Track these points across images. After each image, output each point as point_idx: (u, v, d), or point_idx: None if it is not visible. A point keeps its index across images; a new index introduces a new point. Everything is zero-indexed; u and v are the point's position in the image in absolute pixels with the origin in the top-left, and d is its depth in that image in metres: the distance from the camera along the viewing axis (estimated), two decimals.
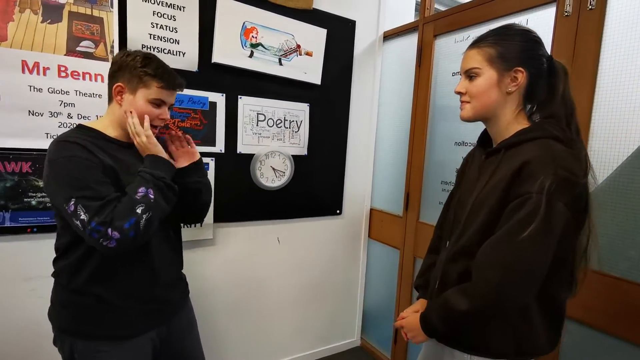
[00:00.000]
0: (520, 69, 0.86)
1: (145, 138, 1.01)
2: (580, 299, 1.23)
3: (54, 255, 1.05)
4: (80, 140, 0.95)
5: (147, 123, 1.02)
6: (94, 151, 0.94)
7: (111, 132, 1.04)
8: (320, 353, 2.25)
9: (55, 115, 1.36)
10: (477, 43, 0.92)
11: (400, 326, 1.05)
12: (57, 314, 1.03)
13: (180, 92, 1.54)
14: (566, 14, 1.32)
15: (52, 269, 1.05)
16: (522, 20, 1.46)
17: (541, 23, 1.39)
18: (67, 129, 1.36)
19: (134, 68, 0.99)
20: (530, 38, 0.89)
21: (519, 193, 0.79)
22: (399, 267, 2.09)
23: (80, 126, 1.03)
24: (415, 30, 1.97)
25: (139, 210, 0.91)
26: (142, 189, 0.94)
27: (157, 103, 1.03)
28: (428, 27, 1.88)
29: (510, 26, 0.92)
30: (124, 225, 0.88)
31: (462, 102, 0.95)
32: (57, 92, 1.35)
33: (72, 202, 0.88)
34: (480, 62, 0.89)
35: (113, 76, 1.03)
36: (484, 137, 1.03)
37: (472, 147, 1.66)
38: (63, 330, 1.02)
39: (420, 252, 1.95)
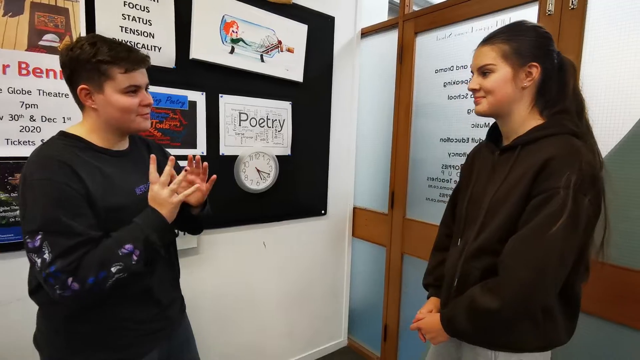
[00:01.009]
0: (535, 64, 0.87)
1: (168, 192, 0.89)
2: None
3: (26, 282, 0.92)
4: (63, 156, 0.82)
5: (180, 177, 0.91)
6: (78, 169, 0.82)
7: (96, 139, 0.91)
8: (309, 357, 2.20)
9: (17, 118, 1.20)
10: (489, 40, 0.91)
11: (417, 328, 1.03)
12: (49, 342, 0.91)
13: (156, 88, 1.45)
14: (549, 13, 1.37)
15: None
16: (505, 19, 1.50)
17: None
18: (30, 133, 1.23)
19: (86, 62, 0.84)
20: (542, 33, 0.89)
21: (545, 188, 0.79)
22: (385, 264, 2.08)
23: (63, 133, 0.89)
24: (395, 28, 1.97)
25: (113, 269, 0.80)
26: (129, 247, 0.83)
27: (132, 90, 0.89)
28: (408, 24, 1.89)
29: (522, 22, 0.92)
30: (89, 279, 0.78)
31: (476, 97, 0.94)
32: (18, 92, 1.20)
33: (39, 237, 0.77)
34: (495, 58, 0.89)
35: (70, 80, 0.88)
36: (493, 133, 1.03)
37: (457, 143, 1.71)
38: (58, 359, 0.90)
39: (408, 248, 1.95)
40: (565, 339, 0.91)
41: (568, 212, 0.75)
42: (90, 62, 0.83)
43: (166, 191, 0.89)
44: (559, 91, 0.90)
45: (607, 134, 1.24)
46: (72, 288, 0.77)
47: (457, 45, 1.70)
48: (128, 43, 1.34)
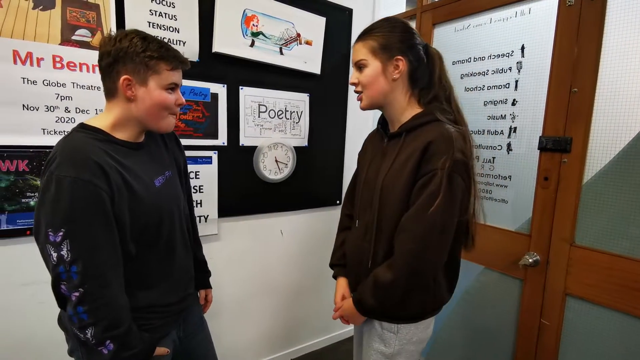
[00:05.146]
0: (400, 57, 0.97)
1: None
2: (580, 276, 1.31)
3: None
4: (90, 151, 0.82)
5: None
6: (105, 166, 0.82)
7: (117, 132, 0.91)
8: (322, 343, 2.28)
9: (52, 109, 1.28)
10: (362, 37, 1.02)
11: (339, 317, 1.12)
12: None
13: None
14: (569, 3, 1.36)
15: (47, 274, 0.96)
16: (525, 9, 1.49)
17: (544, 12, 1.43)
18: (65, 124, 1.30)
19: (135, 54, 0.86)
20: (406, 29, 1.00)
21: (426, 171, 0.91)
22: None
23: (84, 126, 0.89)
24: (412, 19, 1.97)
25: (105, 348, 0.84)
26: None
27: (172, 87, 0.93)
28: (426, 15, 1.89)
29: (389, 19, 1.02)
30: (98, 336, 0.82)
31: (357, 93, 1.05)
32: (53, 84, 1.27)
33: (61, 233, 0.77)
34: (366, 54, 0.99)
35: (111, 69, 0.87)
36: (384, 120, 1.12)
37: (473, 135, 1.71)
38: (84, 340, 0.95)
39: None
40: (448, 297, 1.08)
41: (444, 190, 0.88)
42: (140, 56, 0.86)
43: None
44: (428, 80, 1.02)
45: (629, 126, 1.23)
46: (85, 335, 0.82)
47: (475, 37, 1.70)
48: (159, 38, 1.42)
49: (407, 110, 1.02)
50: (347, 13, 2.01)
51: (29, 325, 1.36)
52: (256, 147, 1.77)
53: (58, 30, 1.26)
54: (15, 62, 1.20)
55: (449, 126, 0.95)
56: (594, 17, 1.30)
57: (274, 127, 1.82)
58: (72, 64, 1.29)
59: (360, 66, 1.01)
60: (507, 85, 1.55)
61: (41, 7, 1.23)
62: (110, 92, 0.91)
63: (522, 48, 1.49)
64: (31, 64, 1.23)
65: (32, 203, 1.28)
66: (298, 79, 1.87)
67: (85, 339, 0.83)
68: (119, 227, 0.86)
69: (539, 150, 1.42)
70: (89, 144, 0.85)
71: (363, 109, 1.07)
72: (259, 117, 1.77)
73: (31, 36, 1.22)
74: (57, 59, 1.26)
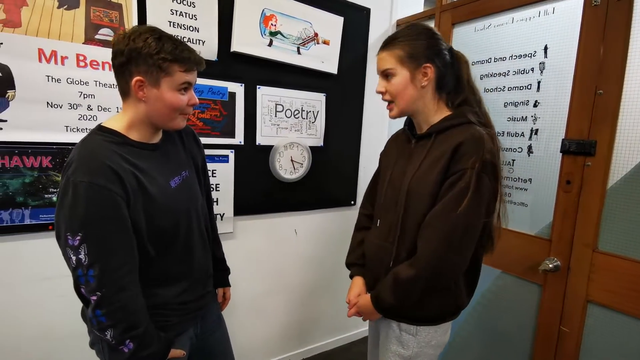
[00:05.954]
0: (428, 64, 0.97)
1: None
2: (602, 283, 1.28)
3: None
4: (105, 156, 0.83)
5: None
6: (119, 170, 0.82)
7: (133, 133, 0.91)
8: (334, 343, 2.27)
9: (75, 107, 1.30)
10: (387, 45, 1.01)
11: (355, 313, 1.12)
12: None
13: (199, 79, 1.52)
14: (595, 3, 1.32)
15: (66, 269, 0.98)
16: (549, 9, 1.46)
17: (568, 12, 1.39)
18: (87, 122, 1.32)
19: (149, 56, 0.83)
20: (432, 35, 0.99)
21: (456, 169, 0.92)
22: None
23: (101, 128, 0.89)
24: (431, 19, 1.95)
25: (131, 344, 0.85)
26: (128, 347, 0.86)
27: (185, 87, 0.90)
28: (445, 15, 1.87)
29: (412, 26, 1.01)
30: (119, 335, 0.84)
31: (386, 101, 1.05)
32: (76, 82, 1.29)
33: (79, 237, 0.78)
34: (394, 63, 0.98)
35: (124, 69, 0.86)
36: (411, 121, 1.13)
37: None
38: None
39: None
40: (467, 302, 1.08)
41: (472, 189, 0.88)
42: (153, 58, 0.84)
43: None
44: (456, 84, 1.02)
45: None
46: (105, 337, 0.83)
47: (496, 37, 1.67)
48: (176, 37, 1.43)
49: (436, 113, 1.02)
50: (364, 13, 2.00)
51: (50, 318, 1.39)
52: (272, 146, 1.77)
53: (82, 29, 1.28)
54: (40, 60, 1.23)
55: (479, 128, 0.95)
56: (621, 17, 1.26)
57: (290, 126, 1.82)
58: (95, 63, 1.31)
59: (387, 75, 1.00)
60: (529, 87, 1.52)
61: (66, 6, 1.25)
62: (124, 92, 0.90)
63: (545, 48, 1.46)
64: (55, 63, 1.25)
65: (54, 199, 1.30)
66: (315, 79, 1.86)
67: (105, 339, 0.85)
68: (135, 230, 0.87)
69: (561, 153, 1.39)
70: (104, 147, 0.85)
71: (393, 117, 1.06)
72: (275, 116, 1.77)
73: (56, 35, 1.24)
74: (81, 58, 1.29)
